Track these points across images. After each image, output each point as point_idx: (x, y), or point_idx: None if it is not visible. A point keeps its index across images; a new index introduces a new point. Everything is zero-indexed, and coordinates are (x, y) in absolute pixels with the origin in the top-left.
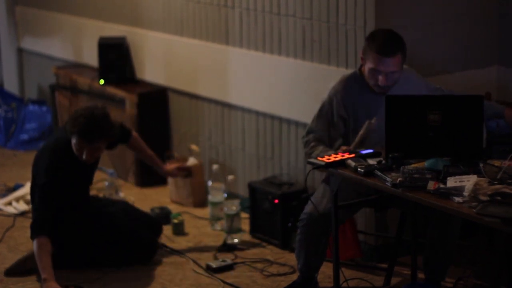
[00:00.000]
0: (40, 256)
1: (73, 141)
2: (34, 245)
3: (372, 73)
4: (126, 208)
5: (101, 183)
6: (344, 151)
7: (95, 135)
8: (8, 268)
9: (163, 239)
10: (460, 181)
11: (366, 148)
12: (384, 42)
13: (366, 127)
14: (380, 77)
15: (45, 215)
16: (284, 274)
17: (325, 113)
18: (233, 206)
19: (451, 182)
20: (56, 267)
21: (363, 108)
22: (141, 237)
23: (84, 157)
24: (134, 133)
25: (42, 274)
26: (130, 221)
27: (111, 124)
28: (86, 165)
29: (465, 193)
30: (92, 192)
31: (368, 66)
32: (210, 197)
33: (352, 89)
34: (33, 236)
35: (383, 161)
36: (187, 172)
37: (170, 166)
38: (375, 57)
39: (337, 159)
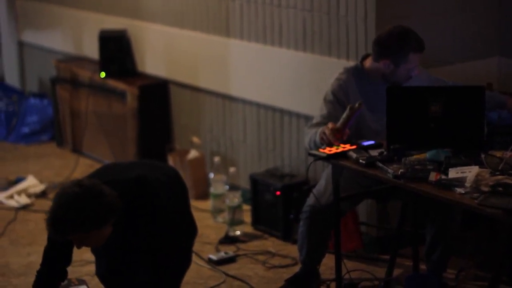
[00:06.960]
0: None
1: None
2: None
3: (409, 70)
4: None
5: None
6: (331, 129)
7: (64, 226)
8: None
9: None
10: (461, 172)
11: (368, 140)
12: (419, 39)
13: (350, 110)
14: (415, 69)
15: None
16: (286, 266)
17: (332, 101)
18: (235, 198)
19: (453, 173)
20: None
21: (365, 100)
22: None
23: (76, 247)
24: None
25: None
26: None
27: (96, 206)
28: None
29: (467, 184)
30: None
31: (407, 67)
32: (212, 189)
33: (355, 80)
34: None
35: (385, 153)
36: None
37: None
38: (418, 55)
39: (338, 150)
